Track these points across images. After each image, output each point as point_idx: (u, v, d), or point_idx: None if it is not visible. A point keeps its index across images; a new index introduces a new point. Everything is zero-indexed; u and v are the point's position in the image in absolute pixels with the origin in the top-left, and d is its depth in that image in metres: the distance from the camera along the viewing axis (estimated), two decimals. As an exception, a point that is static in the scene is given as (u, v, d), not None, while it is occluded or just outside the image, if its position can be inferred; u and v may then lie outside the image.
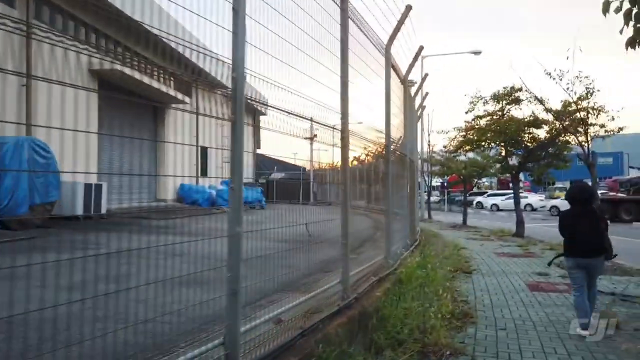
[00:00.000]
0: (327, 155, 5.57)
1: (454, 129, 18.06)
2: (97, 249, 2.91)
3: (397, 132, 8.60)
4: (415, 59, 9.26)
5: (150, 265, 2.75)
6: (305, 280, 4.97)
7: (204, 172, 25.80)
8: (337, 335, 3.77)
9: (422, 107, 15.76)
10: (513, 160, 18.73)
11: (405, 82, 9.28)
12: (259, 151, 29.62)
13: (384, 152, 6.64)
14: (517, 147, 17.39)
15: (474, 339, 5.18)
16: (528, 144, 17.05)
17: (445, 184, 36.89)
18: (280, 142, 4.14)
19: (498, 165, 19.34)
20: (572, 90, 11.34)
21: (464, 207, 23.67)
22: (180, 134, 22.59)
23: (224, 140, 4.26)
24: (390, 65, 6.90)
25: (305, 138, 4.59)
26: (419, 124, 18.57)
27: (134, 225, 8.39)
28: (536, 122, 16.33)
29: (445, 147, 19.21)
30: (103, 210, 14.31)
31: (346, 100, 4.71)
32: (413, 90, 12.29)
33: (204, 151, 24.68)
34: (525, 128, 16.66)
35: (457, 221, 24.06)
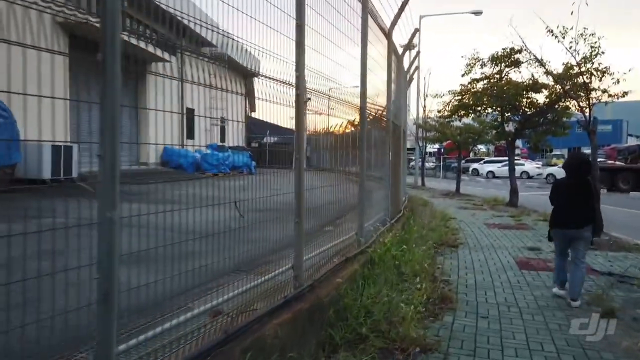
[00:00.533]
0: (321, 120, 5.12)
1: (449, 92, 17.10)
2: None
3: (379, 95, 7.80)
4: (402, 6, 8.03)
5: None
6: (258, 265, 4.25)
7: (191, 135, 24.92)
8: (276, 337, 3.08)
9: (413, 67, 14.76)
10: (510, 127, 17.89)
11: (390, 37, 8.14)
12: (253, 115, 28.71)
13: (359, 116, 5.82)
14: (514, 112, 16.52)
15: (450, 330, 4.52)
16: (526, 109, 16.16)
17: (442, 150, 36.03)
18: (273, 106, 3.84)
19: (494, 132, 18.47)
20: (575, 50, 10.41)
21: (457, 175, 22.95)
22: (164, 94, 21.59)
23: (212, 102, 4.26)
24: (367, 10, 5.90)
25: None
26: (412, 87, 17.53)
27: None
28: (535, 86, 15.40)
29: (439, 111, 18.31)
30: (74, 174, 13.56)
31: (302, 47, 3.87)
32: (405, 50, 11.37)
33: (190, 113, 23.81)
34: (524, 92, 15.73)
35: (452, 189, 23.39)
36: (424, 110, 26.56)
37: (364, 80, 5.81)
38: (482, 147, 61.61)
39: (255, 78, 3.86)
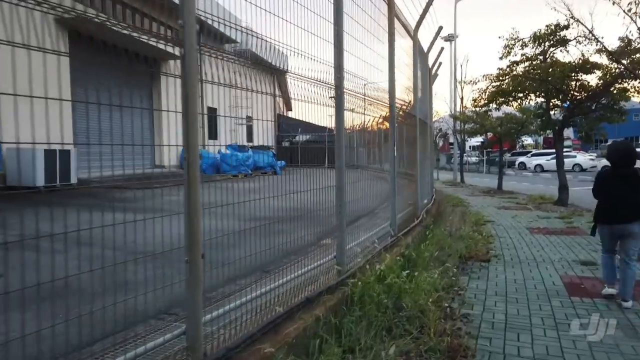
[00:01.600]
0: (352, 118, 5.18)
1: (483, 77, 15.17)
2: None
3: (406, 92, 8.11)
4: (426, 7, 7.86)
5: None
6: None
7: (213, 136, 24.08)
8: None
9: (437, 64, 13.25)
10: (557, 114, 15.82)
11: (416, 36, 8.21)
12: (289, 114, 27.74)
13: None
14: (562, 98, 14.45)
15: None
16: (575, 93, 14.08)
17: (485, 143, 33.63)
18: (304, 104, 4.04)
19: (538, 121, 16.37)
20: (635, 14, 8.48)
21: (499, 170, 20.85)
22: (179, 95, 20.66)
23: (236, 102, 4.34)
24: (393, 14, 6.10)
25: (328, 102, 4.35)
26: (448, 77, 16.10)
27: (98, 197, 6.33)
28: (586, 67, 13.36)
29: (474, 100, 16.34)
30: (73, 180, 12.69)
31: (341, 50, 4.23)
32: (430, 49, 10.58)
33: (213, 112, 22.88)
34: (572, 74, 13.70)
35: (494, 185, 21.31)
36: (461, 101, 24.49)
37: (392, 78, 5.98)
38: (529, 139, 58.28)
39: (289, 77, 3.88)
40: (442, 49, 13.47)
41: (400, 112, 7.55)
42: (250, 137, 26.84)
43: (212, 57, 3.08)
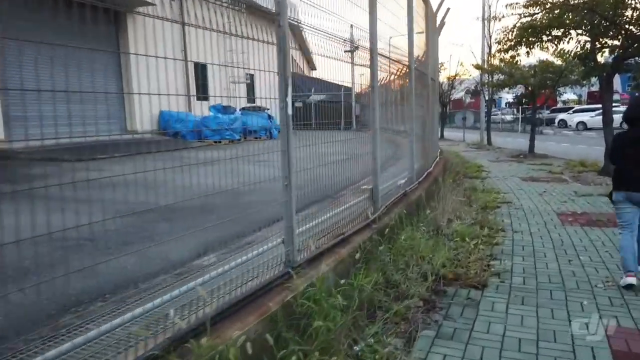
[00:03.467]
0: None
1: (507, 6, 11.68)
2: None
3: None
4: None
5: None
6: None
7: (203, 96, 21.46)
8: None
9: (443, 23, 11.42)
10: (606, 58, 12.34)
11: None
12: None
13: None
14: (614, 34, 10.96)
15: None
16: (632, 27, 10.58)
17: (517, 98, 29.71)
18: (321, 60, 4.24)
19: (582, 67, 12.88)
20: None
21: (532, 130, 17.42)
22: (157, 44, 18.03)
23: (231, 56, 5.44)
24: None
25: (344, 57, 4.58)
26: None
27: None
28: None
29: (499, 43, 12.88)
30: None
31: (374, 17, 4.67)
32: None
33: (202, 68, 20.17)
34: (628, 1, 10.22)
35: (527, 147, 17.89)
36: (489, 49, 20.75)
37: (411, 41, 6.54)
38: (571, 94, 53.11)
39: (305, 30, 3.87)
40: (449, 9, 10.81)
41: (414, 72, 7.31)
42: (252, 99, 23.79)
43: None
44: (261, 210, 3.28)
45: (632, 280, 4.16)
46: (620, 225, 4.45)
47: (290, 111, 3.09)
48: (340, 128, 5.52)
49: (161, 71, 2.64)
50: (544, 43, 12.09)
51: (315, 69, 30.27)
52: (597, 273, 4.59)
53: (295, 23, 3.58)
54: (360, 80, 5.46)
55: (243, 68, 4.91)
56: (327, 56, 4.15)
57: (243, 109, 20.13)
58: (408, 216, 5.28)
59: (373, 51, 4.87)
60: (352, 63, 5.11)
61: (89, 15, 2.21)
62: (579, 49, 11.63)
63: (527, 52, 12.37)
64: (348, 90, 6.54)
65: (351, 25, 4.63)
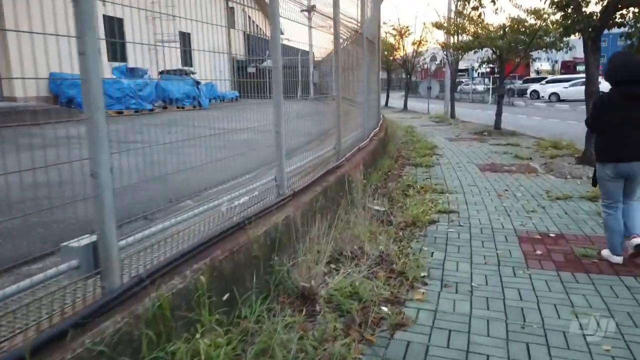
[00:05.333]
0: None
1: None
2: None
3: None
4: None
5: None
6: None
7: (121, 56, 18.21)
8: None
9: None
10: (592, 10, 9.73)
11: None
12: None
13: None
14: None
15: None
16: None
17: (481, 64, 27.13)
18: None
19: (561, 21, 10.19)
20: None
21: (498, 103, 14.89)
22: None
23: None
24: None
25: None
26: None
27: None
28: None
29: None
30: None
31: None
32: None
33: (119, 23, 16.92)
34: None
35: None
36: (456, 5, 17.89)
37: None
38: (545, 62, 51.01)
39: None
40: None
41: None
42: (188, 62, 20.18)
43: None
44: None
45: (617, 259, 3.94)
46: (606, 204, 4.07)
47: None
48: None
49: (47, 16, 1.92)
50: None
51: (283, 34, 27.29)
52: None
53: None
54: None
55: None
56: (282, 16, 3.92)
57: (162, 72, 16.99)
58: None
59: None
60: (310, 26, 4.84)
61: None
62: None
63: (493, 1, 9.64)
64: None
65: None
